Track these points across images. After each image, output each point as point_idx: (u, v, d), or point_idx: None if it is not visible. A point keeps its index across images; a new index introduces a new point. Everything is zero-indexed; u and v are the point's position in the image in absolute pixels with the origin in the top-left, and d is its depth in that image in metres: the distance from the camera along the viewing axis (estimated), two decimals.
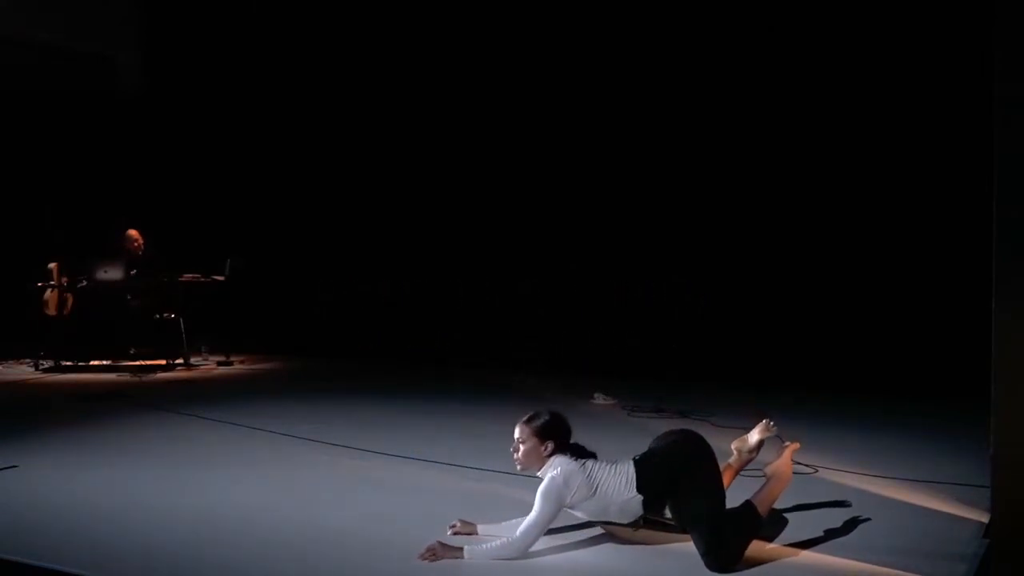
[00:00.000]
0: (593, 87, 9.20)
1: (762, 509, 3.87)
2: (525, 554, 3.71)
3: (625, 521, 3.89)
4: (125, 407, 7.32)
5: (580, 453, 3.92)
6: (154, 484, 5.00)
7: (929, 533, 4.13)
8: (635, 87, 9.02)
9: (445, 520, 4.15)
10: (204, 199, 10.80)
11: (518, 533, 3.72)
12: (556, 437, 3.88)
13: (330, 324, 10.36)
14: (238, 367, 9.69)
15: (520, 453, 3.88)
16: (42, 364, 9.57)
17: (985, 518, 4.16)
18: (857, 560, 3.72)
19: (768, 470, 4.05)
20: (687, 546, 3.82)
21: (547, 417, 3.91)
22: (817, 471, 5.13)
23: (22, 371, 9.41)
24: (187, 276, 9.63)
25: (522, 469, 3.92)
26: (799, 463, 5.21)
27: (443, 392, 8.10)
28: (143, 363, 9.42)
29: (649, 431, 6.31)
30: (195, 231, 10.37)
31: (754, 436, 4.22)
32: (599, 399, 7.41)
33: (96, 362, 9.57)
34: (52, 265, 9.55)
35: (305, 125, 10.72)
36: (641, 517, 3.86)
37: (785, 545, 3.93)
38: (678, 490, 3.80)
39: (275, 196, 10.88)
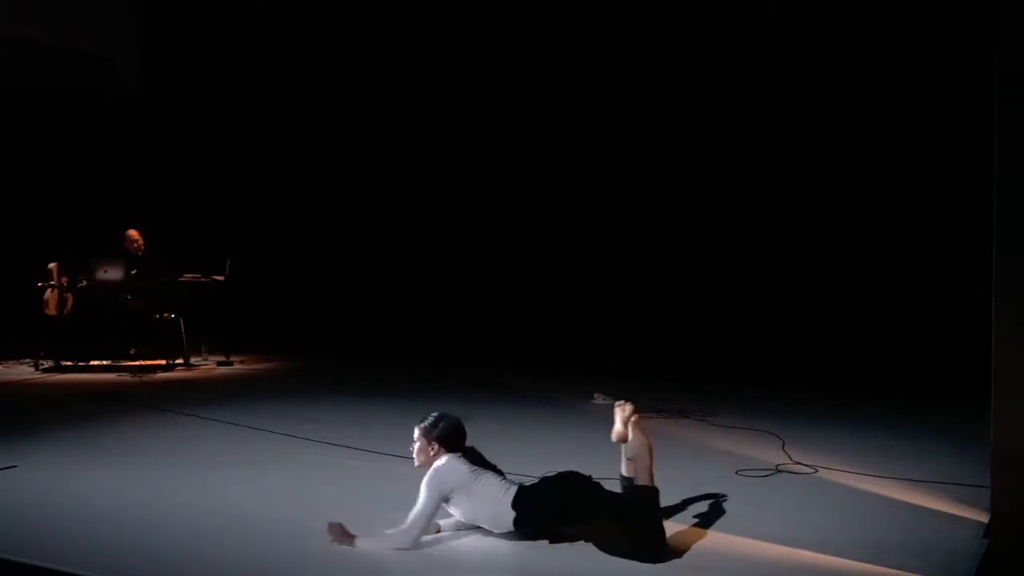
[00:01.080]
0: (597, 86, 9.19)
1: (650, 482, 3.97)
2: (417, 544, 3.89)
3: (495, 530, 4.00)
4: (125, 407, 7.32)
5: (474, 459, 4.12)
6: (154, 484, 5.00)
7: (929, 533, 4.13)
8: (638, 87, 9.01)
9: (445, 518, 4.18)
10: (204, 199, 10.80)
11: (407, 523, 3.89)
12: (444, 441, 4.09)
13: (330, 324, 10.35)
14: (238, 367, 9.68)
15: (414, 451, 4.13)
16: (42, 364, 9.55)
17: (985, 518, 4.17)
18: (857, 560, 3.73)
19: (630, 452, 4.11)
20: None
21: (442, 423, 4.13)
22: (817, 471, 5.14)
23: (22, 371, 9.40)
24: (187, 276, 9.63)
25: (418, 465, 4.12)
26: (800, 463, 5.24)
27: (443, 392, 8.09)
28: (143, 363, 9.41)
29: (649, 431, 6.35)
30: (195, 231, 10.36)
31: (617, 422, 4.22)
32: (599, 399, 7.40)
33: (96, 362, 9.56)
34: (52, 265, 9.54)
35: (305, 125, 10.71)
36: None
37: (785, 545, 3.93)
38: (573, 518, 3.95)
39: (275, 196, 10.87)
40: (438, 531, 4.12)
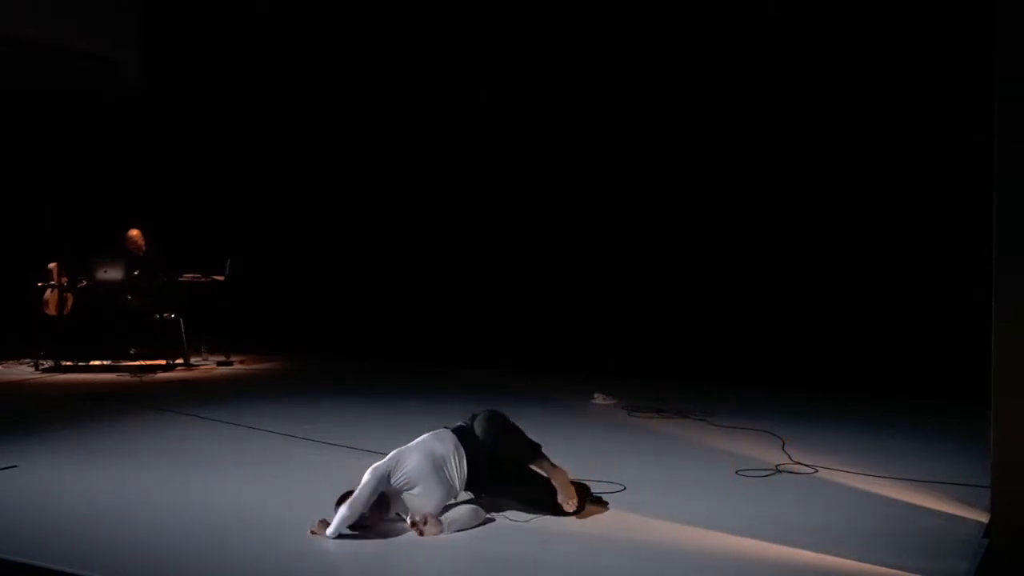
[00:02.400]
0: (597, 86, 9.18)
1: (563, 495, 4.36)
2: (366, 505, 4.01)
3: (451, 456, 4.23)
4: (125, 407, 7.33)
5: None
6: (154, 484, 5.00)
7: (929, 533, 4.13)
8: (638, 87, 9.01)
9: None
10: (204, 199, 10.80)
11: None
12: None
13: (330, 324, 10.35)
14: (238, 367, 9.69)
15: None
16: (42, 364, 9.56)
17: (985, 518, 4.16)
18: (857, 560, 3.73)
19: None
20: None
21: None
22: (817, 471, 5.14)
23: (22, 371, 9.41)
24: (187, 276, 9.63)
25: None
26: (800, 463, 5.24)
27: (443, 393, 8.09)
28: (143, 363, 9.42)
29: (649, 431, 6.36)
30: (195, 231, 10.37)
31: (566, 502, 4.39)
32: (599, 399, 7.41)
33: (96, 362, 9.56)
34: (52, 265, 9.55)
35: (305, 125, 10.70)
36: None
37: (785, 545, 3.93)
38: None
39: (275, 196, 10.87)
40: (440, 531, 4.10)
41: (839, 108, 8.13)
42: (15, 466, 5.28)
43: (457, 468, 4.23)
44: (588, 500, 4.42)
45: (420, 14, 9.90)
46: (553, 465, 4.38)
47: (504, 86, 9.57)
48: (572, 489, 4.34)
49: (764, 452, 5.57)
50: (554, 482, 4.33)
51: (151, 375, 9.06)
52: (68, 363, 9.52)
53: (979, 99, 4.56)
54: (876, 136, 8.03)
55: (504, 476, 4.36)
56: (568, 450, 5.50)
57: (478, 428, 4.37)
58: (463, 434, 4.35)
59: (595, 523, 4.27)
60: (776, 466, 5.23)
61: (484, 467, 4.28)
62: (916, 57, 7.76)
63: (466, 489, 4.30)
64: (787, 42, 8.27)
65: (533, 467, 4.39)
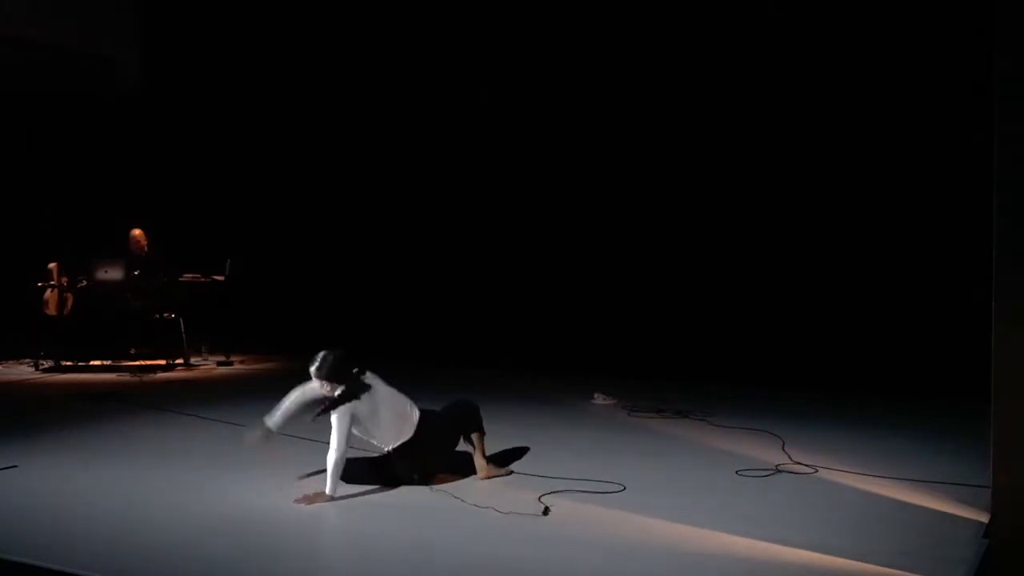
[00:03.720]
0: (597, 86, 9.19)
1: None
2: (343, 451, 4.53)
3: (403, 434, 4.77)
4: (125, 407, 7.33)
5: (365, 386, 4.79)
6: (154, 484, 5.01)
7: (929, 533, 4.13)
8: (638, 87, 9.02)
9: (447, 517, 4.24)
10: (204, 199, 10.80)
11: (333, 446, 4.55)
12: (333, 377, 4.75)
13: (330, 324, 10.34)
14: (238, 367, 9.69)
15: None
16: (42, 364, 9.56)
17: (985, 518, 4.17)
18: (857, 560, 3.73)
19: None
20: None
21: (327, 361, 4.80)
22: (817, 471, 5.14)
23: (22, 371, 9.41)
24: (187, 276, 9.63)
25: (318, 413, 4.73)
26: (800, 463, 5.25)
27: (443, 393, 8.07)
28: (143, 363, 9.42)
29: (649, 431, 6.36)
30: (195, 231, 10.37)
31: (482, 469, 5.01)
32: (599, 399, 7.41)
33: (96, 362, 9.56)
34: (52, 265, 9.55)
35: (305, 124, 10.71)
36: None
37: (784, 545, 3.93)
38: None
39: (275, 196, 10.87)
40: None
41: (839, 108, 8.13)
42: (15, 466, 5.29)
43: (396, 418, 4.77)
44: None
45: (420, 14, 9.90)
46: (482, 448, 5.01)
47: (504, 86, 9.57)
48: (488, 471, 4.99)
49: (764, 452, 5.57)
50: (476, 461, 4.98)
51: (151, 375, 9.06)
52: (68, 363, 9.52)
53: (979, 99, 4.56)
54: (876, 136, 8.04)
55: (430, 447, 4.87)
56: (568, 450, 5.53)
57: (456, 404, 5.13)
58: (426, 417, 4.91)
59: (595, 523, 4.27)
60: (776, 466, 5.23)
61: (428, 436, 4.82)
62: (916, 57, 7.76)
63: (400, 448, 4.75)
64: (787, 42, 8.28)
65: (471, 439, 5.01)
